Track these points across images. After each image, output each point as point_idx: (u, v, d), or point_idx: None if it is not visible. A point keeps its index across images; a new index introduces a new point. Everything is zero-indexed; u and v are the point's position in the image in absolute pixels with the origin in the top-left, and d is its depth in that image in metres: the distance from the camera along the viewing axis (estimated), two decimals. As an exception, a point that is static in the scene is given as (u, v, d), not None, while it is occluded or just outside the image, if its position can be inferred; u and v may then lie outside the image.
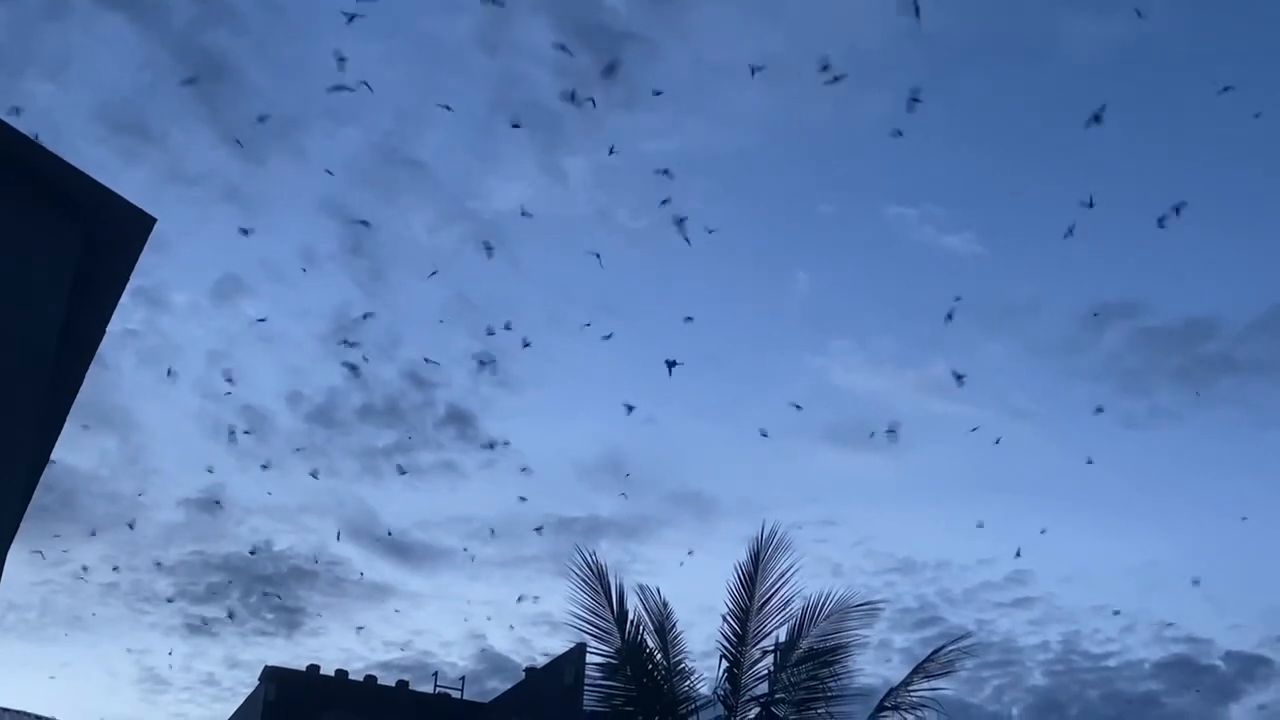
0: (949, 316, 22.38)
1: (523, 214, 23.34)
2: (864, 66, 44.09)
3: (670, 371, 21.41)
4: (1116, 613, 35.90)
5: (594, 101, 19.68)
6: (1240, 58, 43.47)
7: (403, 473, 32.26)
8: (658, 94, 26.05)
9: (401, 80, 45.78)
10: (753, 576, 11.76)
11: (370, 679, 28.00)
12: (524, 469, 27.30)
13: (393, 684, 28.07)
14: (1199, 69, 43.05)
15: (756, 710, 11.54)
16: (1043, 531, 32.26)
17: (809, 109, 46.95)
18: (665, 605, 11.84)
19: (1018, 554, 27.14)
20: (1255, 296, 52.40)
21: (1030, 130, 46.79)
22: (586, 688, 12.32)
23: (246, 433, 26.12)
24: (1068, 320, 46.31)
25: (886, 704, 11.39)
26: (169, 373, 24.21)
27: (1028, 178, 48.35)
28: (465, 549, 36.11)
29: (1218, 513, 46.79)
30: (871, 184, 48.47)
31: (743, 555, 11.86)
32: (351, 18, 17.13)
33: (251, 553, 34.07)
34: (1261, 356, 42.10)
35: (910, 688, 11.43)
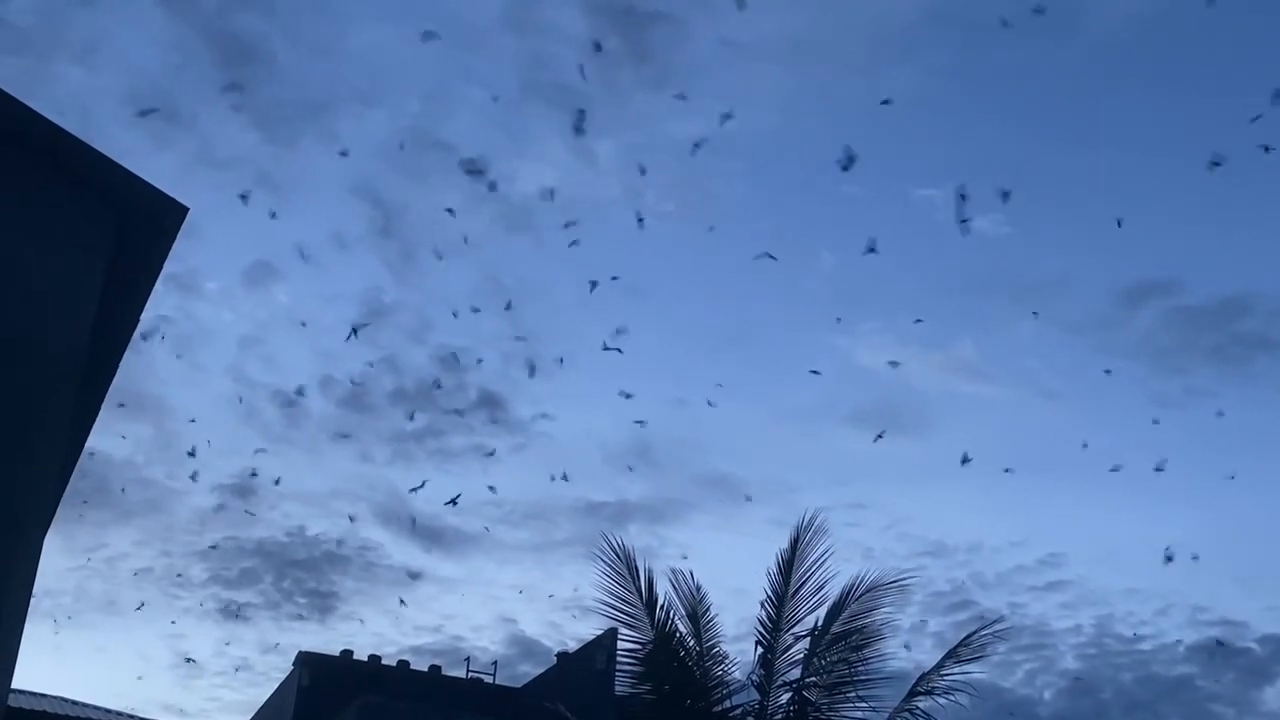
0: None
1: (549, 196, 23.08)
2: (892, 44, 43.69)
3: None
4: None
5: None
6: (1267, 28, 42.68)
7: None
8: (681, 98, 25.32)
9: (430, 62, 45.81)
10: (790, 563, 11.73)
11: (403, 664, 28.21)
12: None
13: (425, 669, 28.27)
14: (1226, 41, 42.35)
15: (788, 694, 11.52)
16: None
17: (835, 89, 46.55)
18: (698, 589, 11.81)
19: None
20: (1292, 274, 51.54)
21: (1058, 109, 46.16)
22: (618, 672, 12.33)
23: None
24: (1100, 299, 45.82)
25: (919, 688, 11.35)
26: (179, 355, 24.01)
27: (1057, 157, 47.72)
28: (487, 529, 36.03)
29: (1253, 494, 46.27)
30: (897, 165, 48.00)
31: (773, 538, 11.89)
32: None
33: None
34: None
35: (942, 672, 11.38)
